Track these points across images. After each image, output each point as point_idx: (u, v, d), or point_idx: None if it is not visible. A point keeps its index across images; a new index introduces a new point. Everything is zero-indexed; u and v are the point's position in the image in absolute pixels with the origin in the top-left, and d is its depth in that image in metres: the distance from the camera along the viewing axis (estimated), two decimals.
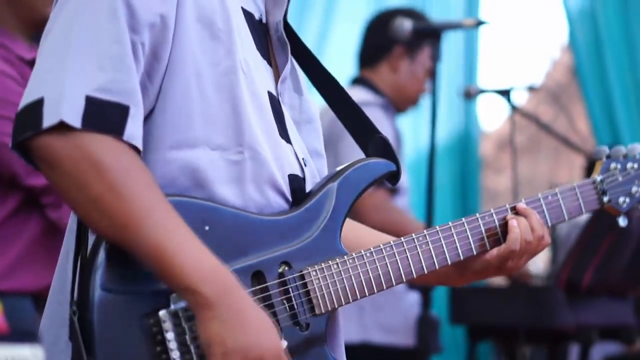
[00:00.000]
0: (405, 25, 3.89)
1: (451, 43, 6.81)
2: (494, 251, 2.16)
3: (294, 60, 2.18)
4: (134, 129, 1.79)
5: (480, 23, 4.18)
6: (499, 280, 4.65)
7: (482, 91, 4.87)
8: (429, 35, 4.00)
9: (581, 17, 6.35)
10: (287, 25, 2.16)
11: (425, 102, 4.96)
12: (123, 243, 1.78)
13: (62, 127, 1.74)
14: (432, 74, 3.91)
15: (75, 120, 1.74)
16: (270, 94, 2.02)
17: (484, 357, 6.72)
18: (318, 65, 2.20)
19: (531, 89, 5.48)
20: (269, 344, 1.80)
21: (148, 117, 1.88)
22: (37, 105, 1.76)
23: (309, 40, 6.00)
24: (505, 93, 4.70)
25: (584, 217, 6.52)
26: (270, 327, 1.82)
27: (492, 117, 14.70)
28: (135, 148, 1.81)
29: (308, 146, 2.13)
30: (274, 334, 1.82)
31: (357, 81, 4.76)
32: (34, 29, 2.90)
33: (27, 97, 1.79)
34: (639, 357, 6.30)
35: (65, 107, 1.74)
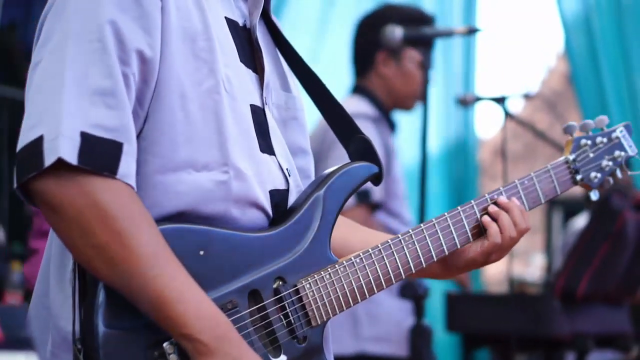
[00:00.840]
0: (396, 33, 3.88)
1: (448, 51, 6.82)
2: (478, 247, 2.17)
3: (280, 56, 2.19)
4: (127, 167, 1.80)
5: (472, 31, 4.17)
6: (494, 288, 4.65)
7: (478, 99, 4.87)
8: (420, 42, 3.98)
9: (577, 25, 6.36)
10: (270, 22, 2.17)
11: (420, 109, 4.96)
12: (122, 289, 1.79)
13: (60, 167, 1.74)
14: (425, 70, 3.89)
15: (72, 157, 1.74)
16: (253, 107, 2.03)
17: None
18: (300, 61, 2.21)
19: (527, 96, 5.49)
20: None
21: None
22: (37, 144, 1.76)
23: (303, 47, 6.01)
24: (501, 101, 4.70)
25: (581, 225, 6.55)
26: None
27: (488, 124, 14.70)
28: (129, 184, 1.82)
29: (293, 144, 2.15)
30: None
31: (355, 90, 4.75)
32: None
33: (26, 136, 1.78)
34: None
35: (62, 144, 1.74)
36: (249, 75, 2.06)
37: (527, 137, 13.92)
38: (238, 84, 1.99)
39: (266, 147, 2.03)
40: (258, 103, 2.05)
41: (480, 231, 2.18)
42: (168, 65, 1.88)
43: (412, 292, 3.66)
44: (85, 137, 1.76)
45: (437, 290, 5.95)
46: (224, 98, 1.94)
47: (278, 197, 2.02)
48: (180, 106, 1.89)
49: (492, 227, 2.16)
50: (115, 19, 1.82)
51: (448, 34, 3.98)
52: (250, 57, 2.08)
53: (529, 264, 11.25)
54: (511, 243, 2.18)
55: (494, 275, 9.89)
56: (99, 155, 1.77)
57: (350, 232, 2.21)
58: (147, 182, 1.87)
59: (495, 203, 2.19)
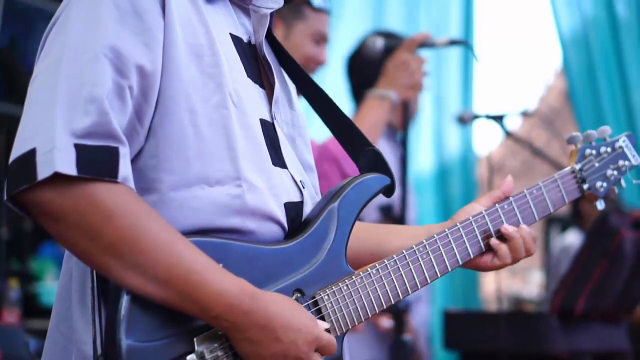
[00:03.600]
0: (377, 43, 3.89)
1: (445, 68, 6.84)
2: (488, 261, 2.22)
3: (284, 73, 2.20)
4: (125, 169, 1.80)
5: (453, 43, 4.17)
6: (492, 305, 4.64)
7: (476, 116, 4.87)
8: None
9: (575, 43, 6.38)
10: (273, 40, 2.18)
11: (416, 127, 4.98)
12: (146, 288, 1.79)
13: (58, 179, 1.74)
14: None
15: (70, 169, 1.74)
16: (262, 121, 2.04)
17: None
18: (307, 78, 2.23)
19: (525, 114, 5.49)
20: (302, 338, 1.86)
21: (138, 158, 1.89)
22: (29, 157, 1.75)
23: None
24: (499, 119, 4.70)
25: (576, 241, 6.55)
26: (298, 322, 1.87)
27: (487, 141, 14.71)
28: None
29: (301, 160, 2.16)
30: (305, 325, 1.87)
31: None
32: None
33: (18, 149, 1.78)
34: None
35: (58, 157, 1.73)
36: (256, 90, 2.07)
37: (525, 154, 13.92)
38: (246, 99, 2.00)
39: (278, 160, 2.04)
40: (267, 118, 2.06)
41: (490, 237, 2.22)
42: (175, 81, 1.89)
43: (393, 308, 3.65)
44: (80, 148, 1.75)
45: (436, 309, 5.95)
46: (232, 113, 1.95)
47: (293, 209, 2.03)
48: (189, 122, 1.89)
49: (502, 249, 2.20)
50: (117, 33, 1.83)
51: (430, 45, 3.98)
52: (257, 73, 2.09)
53: (527, 281, 11.24)
54: (518, 260, 2.23)
55: (492, 292, 9.88)
56: (97, 163, 1.76)
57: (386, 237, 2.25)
58: (162, 200, 1.87)
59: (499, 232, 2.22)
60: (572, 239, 6.65)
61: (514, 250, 2.20)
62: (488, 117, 4.72)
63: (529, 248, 2.21)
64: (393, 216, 4.37)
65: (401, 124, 4.69)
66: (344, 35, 6.26)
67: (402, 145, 4.57)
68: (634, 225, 4.67)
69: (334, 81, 5.79)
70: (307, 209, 2.07)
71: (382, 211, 4.27)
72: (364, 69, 4.51)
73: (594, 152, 2.35)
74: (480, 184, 7.96)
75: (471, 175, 7.17)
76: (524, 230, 2.22)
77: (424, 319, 4.72)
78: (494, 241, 2.20)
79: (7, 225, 5.24)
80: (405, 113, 3.93)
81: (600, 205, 2.37)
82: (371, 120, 3.75)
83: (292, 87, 2.22)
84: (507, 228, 2.21)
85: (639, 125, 6.07)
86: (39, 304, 5.98)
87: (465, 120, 4.97)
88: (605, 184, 2.35)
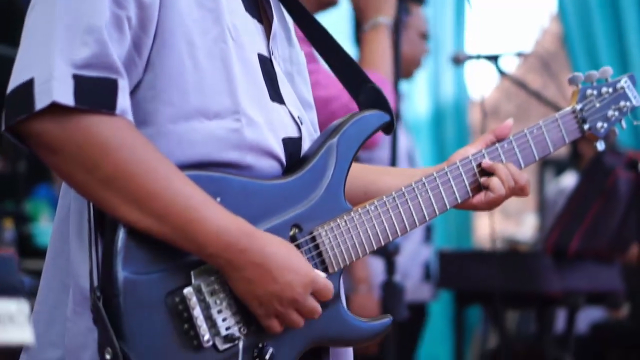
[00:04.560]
0: None
1: (441, 11, 6.81)
2: (482, 197, 2.19)
3: (283, 9, 2.18)
4: (124, 102, 1.78)
5: None
6: (487, 246, 4.66)
7: (470, 57, 4.86)
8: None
9: None
10: None
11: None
12: (143, 222, 1.78)
13: (56, 109, 1.72)
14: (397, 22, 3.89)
15: (68, 100, 1.72)
16: (260, 56, 2.02)
17: (471, 322, 6.76)
18: (306, 15, 2.20)
19: (521, 54, 5.47)
20: (298, 280, 1.85)
21: (137, 91, 1.87)
22: (27, 87, 1.74)
23: None
24: (494, 59, 4.69)
25: (568, 183, 6.57)
26: (295, 263, 1.86)
27: (481, 85, 14.68)
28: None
29: (300, 97, 2.14)
30: (301, 268, 1.87)
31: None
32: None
33: (16, 78, 1.76)
34: (624, 323, 6.33)
35: (56, 87, 1.72)
36: (254, 25, 2.05)
37: (520, 98, 13.92)
38: (244, 33, 1.98)
39: (276, 96, 2.02)
40: (265, 53, 2.04)
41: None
42: (173, 13, 1.87)
43: (382, 250, 3.66)
44: (78, 78, 1.74)
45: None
46: (231, 47, 1.93)
47: (291, 145, 2.02)
48: (188, 54, 1.88)
49: (493, 180, 2.18)
50: None
51: None
52: (255, 7, 2.07)
53: (521, 224, 11.28)
54: (512, 192, 2.20)
55: (486, 235, 9.91)
56: (95, 94, 1.75)
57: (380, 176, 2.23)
58: (159, 132, 1.86)
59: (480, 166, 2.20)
60: (569, 181, 6.66)
61: (504, 180, 2.18)
62: (483, 57, 4.70)
63: (518, 179, 2.19)
64: None
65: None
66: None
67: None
68: (629, 166, 4.68)
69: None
70: (305, 146, 2.05)
71: None
72: None
73: (595, 92, 2.34)
74: (474, 129, 7.96)
75: (464, 119, 7.17)
76: (508, 165, 2.20)
77: (421, 259, 4.73)
78: (483, 179, 2.19)
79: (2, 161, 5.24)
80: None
81: (600, 145, 2.36)
82: (376, 53, 3.74)
83: (291, 24, 2.20)
84: (488, 161, 2.19)
85: (634, 69, 6.06)
86: (33, 245, 5.99)
87: (459, 60, 4.95)
88: (605, 125, 2.34)
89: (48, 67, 1.73)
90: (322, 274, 1.92)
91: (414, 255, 4.62)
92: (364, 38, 3.80)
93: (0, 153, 5.77)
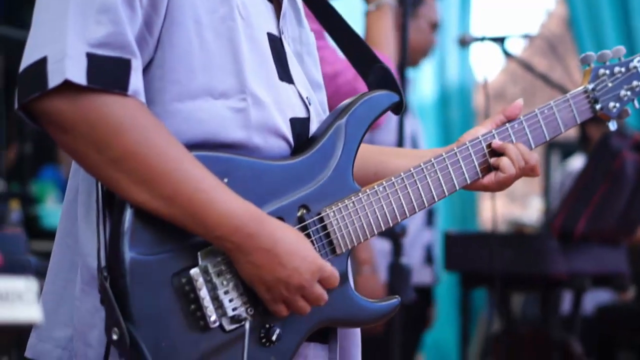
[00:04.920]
0: None
1: None
2: (492, 177, 2.17)
3: None
4: (137, 82, 1.78)
5: None
6: (492, 228, 4.65)
7: (476, 39, 4.85)
8: None
9: None
10: None
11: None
12: (151, 204, 1.78)
13: (68, 88, 1.72)
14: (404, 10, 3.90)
15: (81, 78, 1.72)
16: (270, 35, 2.01)
17: (477, 304, 6.76)
18: None
19: (527, 36, 5.46)
20: (306, 267, 1.85)
21: (147, 70, 1.86)
22: (40, 65, 1.73)
23: None
24: (500, 40, 4.67)
25: (577, 166, 6.56)
26: (303, 250, 1.86)
27: (487, 68, 14.62)
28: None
29: (309, 78, 2.13)
30: (308, 255, 1.86)
31: None
32: None
33: (29, 57, 1.76)
34: (631, 306, 6.33)
35: (69, 66, 1.71)
36: (264, 4, 2.04)
37: (526, 81, 13.89)
38: (254, 12, 1.98)
39: (285, 75, 2.01)
40: (275, 32, 2.04)
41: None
42: None
43: (389, 231, 3.65)
44: (92, 57, 1.74)
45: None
46: (239, 25, 1.92)
47: (299, 125, 2.01)
48: (195, 33, 1.87)
49: (503, 160, 2.16)
50: None
51: None
52: None
53: (527, 207, 11.27)
54: (521, 173, 2.18)
55: (491, 218, 9.93)
56: (108, 73, 1.75)
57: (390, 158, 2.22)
58: (166, 110, 1.85)
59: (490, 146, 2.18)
60: (578, 163, 6.65)
61: (514, 160, 2.16)
62: (489, 39, 4.68)
63: (528, 159, 2.18)
64: None
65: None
66: None
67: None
68: (635, 148, 4.67)
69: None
70: (313, 126, 2.05)
71: None
72: None
73: (607, 72, 2.32)
74: (480, 111, 7.95)
75: (469, 102, 7.16)
76: (518, 145, 2.19)
77: (423, 242, 4.73)
78: (493, 159, 2.17)
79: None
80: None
81: (612, 126, 2.34)
82: (381, 33, 3.74)
83: (301, 5, 2.19)
84: (498, 141, 2.18)
85: None
86: (40, 227, 6.00)
87: (465, 42, 4.93)
88: (618, 105, 2.31)
89: (61, 45, 1.73)
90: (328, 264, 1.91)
91: (415, 238, 4.62)
92: (368, 18, 3.80)
93: (9, 142, 5.79)
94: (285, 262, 1.83)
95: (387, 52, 3.64)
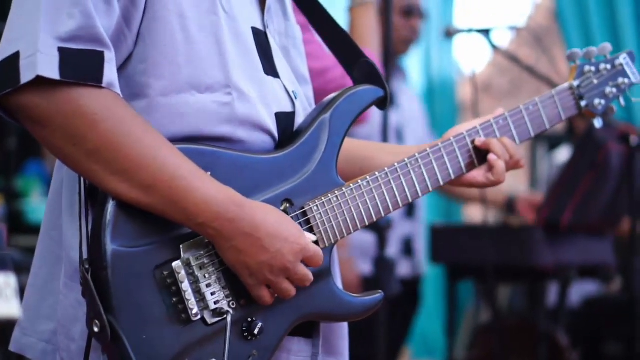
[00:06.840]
0: None
1: None
2: (482, 171, 2.18)
3: None
4: (111, 74, 1.78)
5: None
6: (478, 220, 4.66)
7: (462, 31, 4.84)
8: None
9: None
10: None
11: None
12: (131, 194, 1.78)
13: (42, 82, 1.72)
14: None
15: (53, 73, 1.72)
16: (255, 30, 2.01)
17: (463, 296, 6.76)
18: None
19: (513, 28, 5.46)
20: (288, 248, 1.85)
21: (127, 64, 1.86)
22: (13, 60, 1.73)
23: None
24: (486, 32, 4.67)
25: (565, 157, 6.57)
26: (285, 231, 1.86)
27: (473, 61, 14.64)
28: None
29: (295, 72, 2.13)
30: (291, 235, 1.86)
31: None
32: None
33: (2, 52, 1.76)
34: (617, 298, 6.34)
35: (41, 61, 1.71)
36: None
37: (513, 73, 13.88)
38: (238, 6, 1.97)
39: (270, 69, 2.01)
40: (259, 26, 2.03)
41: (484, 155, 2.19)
42: None
43: (374, 225, 3.65)
44: (64, 51, 1.73)
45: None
46: (222, 19, 1.92)
47: (285, 119, 2.01)
48: (179, 27, 1.87)
49: (491, 157, 2.17)
50: None
51: None
52: None
53: None
54: (507, 167, 2.19)
55: (476, 210, 9.93)
56: (81, 66, 1.74)
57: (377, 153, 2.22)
58: (151, 105, 1.85)
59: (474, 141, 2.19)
60: (566, 156, 6.66)
61: (499, 155, 2.16)
62: (475, 31, 4.68)
63: (513, 154, 2.18)
64: None
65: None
66: None
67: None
68: (620, 139, 4.67)
69: None
70: (299, 120, 2.04)
71: None
72: None
73: (593, 69, 2.32)
74: (466, 104, 7.94)
75: (453, 95, 7.15)
76: (502, 139, 2.19)
77: (400, 234, 4.73)
78: (491, 156, 2.17)
79: None
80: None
81: (597, 123, 2.34)
82: (362, 29, 3.74)
83: None
84: (481, 139, 2.18)
85: (627, 45, 6.04)
86: (24, 221, 5.99)
87: (450, 34, 4.93)
88: (603, 102, 2.32)
89: (33, 40, 1.73)
90: (313, 237, 1.92)
91: (393, 230, 4.62)
92: (352, 13, 3.80)
93: None
94: (267, 245, 1.83)
95: (371, 48, 3.65)
